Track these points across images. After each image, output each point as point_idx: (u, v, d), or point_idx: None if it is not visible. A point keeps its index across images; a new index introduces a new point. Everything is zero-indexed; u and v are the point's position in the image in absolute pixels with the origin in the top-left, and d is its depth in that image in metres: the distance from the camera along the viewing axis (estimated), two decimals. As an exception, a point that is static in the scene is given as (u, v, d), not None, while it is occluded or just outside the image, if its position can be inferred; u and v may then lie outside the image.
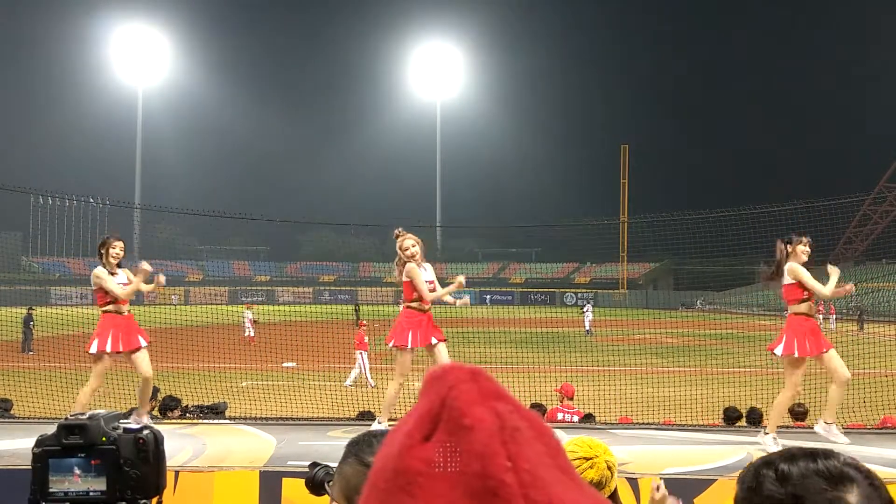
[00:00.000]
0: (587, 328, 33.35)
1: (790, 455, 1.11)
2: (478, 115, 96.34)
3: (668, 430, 7.64)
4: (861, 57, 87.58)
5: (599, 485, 2.84)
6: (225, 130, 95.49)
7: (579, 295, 65.03)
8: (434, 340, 7.37)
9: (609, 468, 2.87)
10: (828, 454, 1.10)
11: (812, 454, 1.10)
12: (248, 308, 30.10)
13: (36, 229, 54.01)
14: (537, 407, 9.44)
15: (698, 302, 59.81)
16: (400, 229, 7.58)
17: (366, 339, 18.48)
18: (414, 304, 7.44)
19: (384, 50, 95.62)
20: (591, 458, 2.85)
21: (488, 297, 61.85)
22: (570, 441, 2.96)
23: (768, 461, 1.12)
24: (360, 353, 18.26)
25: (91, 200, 22.19)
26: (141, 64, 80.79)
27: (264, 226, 46.91)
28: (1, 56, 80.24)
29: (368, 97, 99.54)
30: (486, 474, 0.55)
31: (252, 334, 27.73)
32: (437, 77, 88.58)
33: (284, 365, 19.97)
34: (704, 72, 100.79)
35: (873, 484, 1.06)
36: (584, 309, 35.25)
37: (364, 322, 20.56)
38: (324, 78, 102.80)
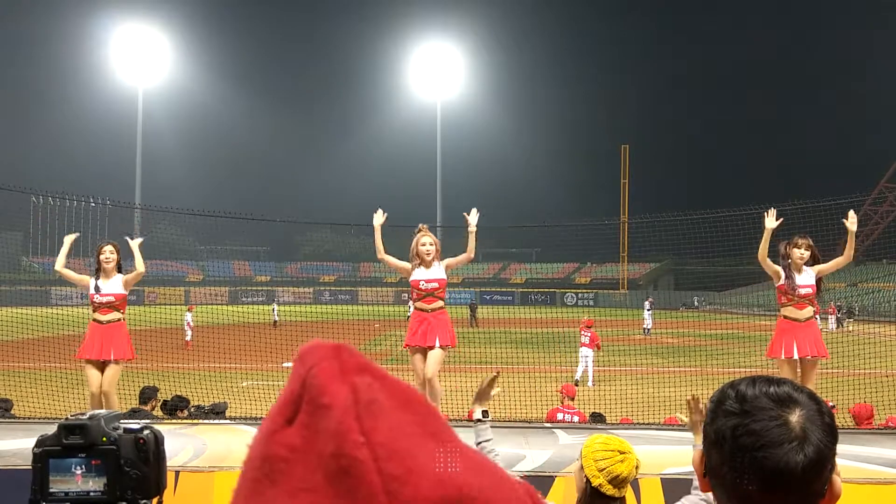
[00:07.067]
0: (646, 326, 34.16)
1: (752, 380, 1.25)
2: (478, 115, 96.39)
3: (668, 430, 7.63)
4: (862, 56, 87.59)
5: (625, 481, 2.88)
6: (225, 130, 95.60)
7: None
8: (437, 343, 7.27)
9: (636, 468, 2.91)
10: (783, 382, 1.24)
11: (769, 380, 1.24)
12: (189, 310, 27.42)
13: (36, 229, 53.85)
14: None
15: (695, 300, 59.93)
16: (422, 226, 7.69)
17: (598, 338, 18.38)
18: (418, 304, 7.48)
19: (384, 50, 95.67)
20: (625, 453, 2.90)
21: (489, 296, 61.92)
22: (597, 437, 2.98)
23: (734, 383, 1.27)
24: (590, 351, 18.29)
25: (91, 200, 22.06)
26: (141, 64, 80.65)
27: (264, 226, 46.89)
28: (1, 56, 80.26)
29: (368, 97, 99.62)
30: (339, 453, 0.53)
31: (188, 338, 25.85)
32: (437, 77, 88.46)
33: (285, 365, 19.93)
34: (705, 71, 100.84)
35: (820, 410, 1.20)
36: (646, 308, 35.68)
37: (591, 321, 19.58)
38: (324, 78, 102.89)
